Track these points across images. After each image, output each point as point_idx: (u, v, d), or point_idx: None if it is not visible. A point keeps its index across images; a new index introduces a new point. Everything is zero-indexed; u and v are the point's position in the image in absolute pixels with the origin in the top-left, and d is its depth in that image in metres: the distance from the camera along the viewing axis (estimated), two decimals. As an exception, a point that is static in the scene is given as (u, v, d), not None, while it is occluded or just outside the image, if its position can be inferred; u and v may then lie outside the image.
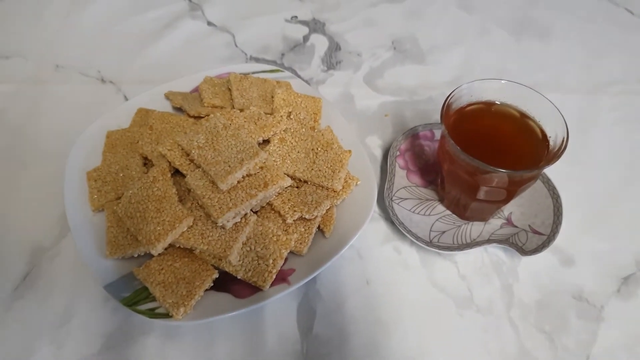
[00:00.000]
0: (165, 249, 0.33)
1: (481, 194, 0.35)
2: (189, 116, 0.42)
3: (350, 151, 0.40)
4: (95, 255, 0.34)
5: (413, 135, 0.45)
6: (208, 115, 0.39)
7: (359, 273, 0.38)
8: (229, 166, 0.34)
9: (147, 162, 0.40)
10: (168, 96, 0.44)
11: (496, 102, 0.36)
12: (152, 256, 0.34)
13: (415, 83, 0.52)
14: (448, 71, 0.54)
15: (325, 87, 0.52)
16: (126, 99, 0.50)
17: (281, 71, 0.47)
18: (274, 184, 0.35)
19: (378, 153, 0.46)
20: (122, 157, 0.39)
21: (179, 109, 0.44)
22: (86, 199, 0.38)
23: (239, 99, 0.42)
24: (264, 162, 0.36)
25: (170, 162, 0.37)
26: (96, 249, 0.34)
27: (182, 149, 0.37)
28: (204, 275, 0.33)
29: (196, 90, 0.45)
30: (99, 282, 0.33)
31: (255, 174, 0.35)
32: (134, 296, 0.33)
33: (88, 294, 0.36)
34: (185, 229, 0.33)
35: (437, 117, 0.36)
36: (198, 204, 0.35)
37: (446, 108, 0.34)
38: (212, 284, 0.33)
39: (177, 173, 0.38)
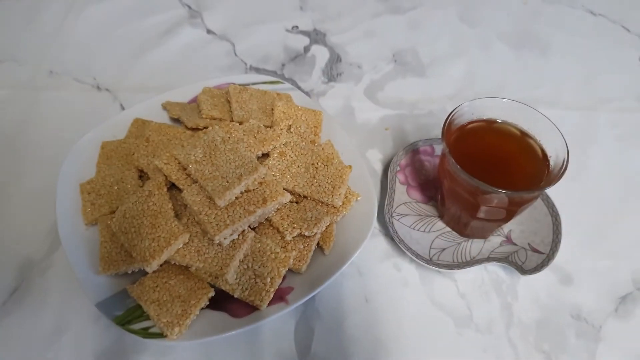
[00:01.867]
0: (160, 266, 0.32)
1: (481, 213, 0.34)
2: (187, 128, 0.41)
3: (350, 167, 0.39)
4: (87, 271, 0.33)
5: (413, 150, 0.44)
6: (206, 128, 0.39)
7: (359, 291, 0.37)
8: (227, 182, 0.33)
9: (142, 175, 0.39)
10: (166, 107, 0.43)
11: (497, 120, 0.36)
12: (147, 273, 0.33)
13: (416, 96, 0.52)
14: (449, 84, 0.53)
15: (326, 100, 0.52)
16: (122, 107, 0.49)
17: (282, 83, 0.46)
18: (273, 200, 0.34)
19: (378, 167, 0.45)
20: (117, 170, 0.38)
21: (176, 120, 0.43)
22: (79, 212, 0.37)
23: (239, 111, 0.42)
24: (263, 178, 0.35)
25: (166, 176, 0.36)
26: (88, 265, 0.33)
27: (179, 163, 0.36)
28: (199, 293, 0.32)
29: (194, 100, 0.44)
30: (91, 300, 0.32)
31: (254, 189, 0.35)
32: (127, 314, 0.32)
33: (79, 311, 0.35)
34: (180, 245, 0.32)
35: (437, 132, 0.35)
36: (194, 220, 0.34)
37: (447, 126, 0.34)
38: (208, 303, 0.32)
39: (173, 187, 0.37)
